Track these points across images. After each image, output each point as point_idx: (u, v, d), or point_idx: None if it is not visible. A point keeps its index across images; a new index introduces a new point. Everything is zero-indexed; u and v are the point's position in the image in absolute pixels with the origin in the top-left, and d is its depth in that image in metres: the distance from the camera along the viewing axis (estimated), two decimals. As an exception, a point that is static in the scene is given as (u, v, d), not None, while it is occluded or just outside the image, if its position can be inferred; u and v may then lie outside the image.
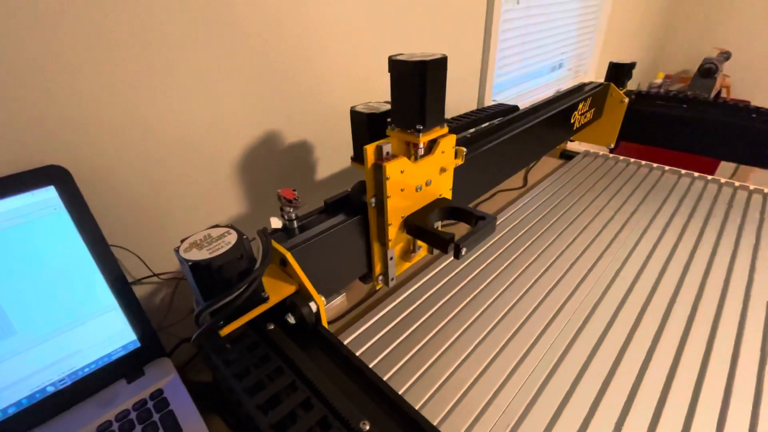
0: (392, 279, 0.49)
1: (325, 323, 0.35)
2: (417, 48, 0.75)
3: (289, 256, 0.35)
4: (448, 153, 0.44)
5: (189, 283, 0.31)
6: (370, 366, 0.43)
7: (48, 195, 0.36)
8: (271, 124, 0.59)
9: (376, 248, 0.46)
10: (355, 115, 0.43)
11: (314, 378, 0.28)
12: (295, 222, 0.40)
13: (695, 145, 0.85)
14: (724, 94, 2.03)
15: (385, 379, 0.41)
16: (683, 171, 0.86)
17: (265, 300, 0.33)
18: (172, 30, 0.44)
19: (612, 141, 0.93)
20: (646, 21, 1.89)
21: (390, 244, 0.44)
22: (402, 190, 0.41)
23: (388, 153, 0.39)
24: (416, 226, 0.42)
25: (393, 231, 0.43)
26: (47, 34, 0.37)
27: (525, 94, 1.19)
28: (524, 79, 1.18)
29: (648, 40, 2.02)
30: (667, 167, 0.88)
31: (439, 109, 0.39)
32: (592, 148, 1.01)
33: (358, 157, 0.43)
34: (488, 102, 0.98)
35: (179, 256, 0.29)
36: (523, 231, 0.68)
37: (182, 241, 0.31)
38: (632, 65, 0.87)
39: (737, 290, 0.54)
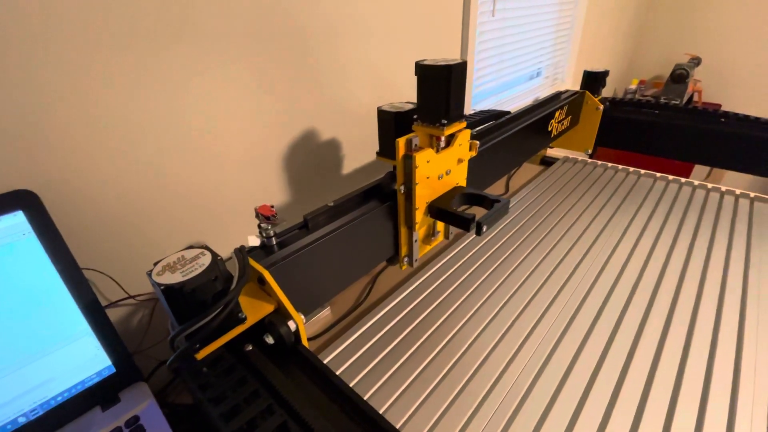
0: (416, 260, 0.54)
1: (305, 341, 0.35)
2: (401, 58, 0.76)
3: (266, 274, 0.35)
4: (464, 145, 0.49)
5: (163, 306, 0.31)
6: (353, 383, 0.43)
7: (16, 220, 0.35)
8: (269, 133, 0.60)
9: (403, 232, 0.50)
10: (382, 114, 0.48)
11: (292, 400, 0.28)
12: (273, 239, 0.39)
13: (668, 150, 0.87)
14: (696, 99, 2.11)
15: (368, 395, 0.41)
16: (658, 174, 0.89)
17: (243, 321, 0.33)
18: (158, 53, 0.44)
19: (589, 147, 0.95)
20: (620, 29, 1.95)
21: (416, 227, 0.49)
22: (427, 178, 0.46)
23: (416, 145, 0.44)
24: (440, 209, 0.47)
25: (419, 215, 0.48)
26: (17, 48, 0.36)
27: (504, 103, 1.21)
28: (503, 88, 1.21)
29: (622, 47, 2.09)
30: (642, 171, 0.91)
31: (460, 106, 0.44)
32: (571, 154, 1.03)
33: (384, 151, 0.49)
34: (467, 112, 1.00)
35: (152, 279, 0.29)
36: (505, 237, 0.69)
37: (155, 263, 0.31)
38: (605, 73, 0.89)
39: (713, 287, 0.56)
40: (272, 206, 0.40)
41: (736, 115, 0.80)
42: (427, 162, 0.45)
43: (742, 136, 0.78)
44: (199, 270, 0.29)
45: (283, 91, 0.61)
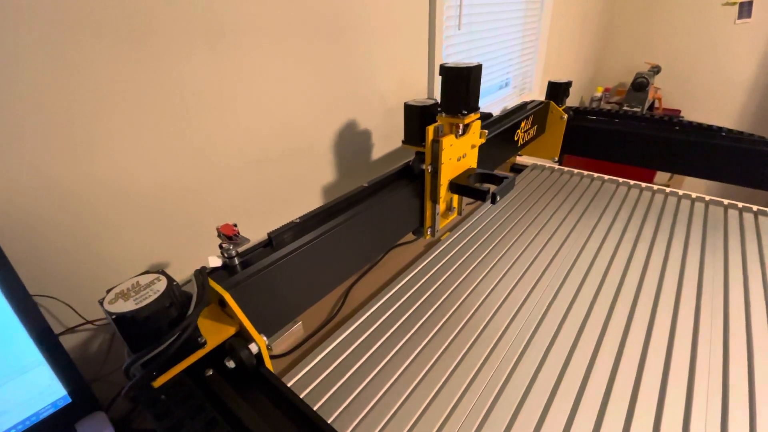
0: (437, 231, 0.63)
1: (268, 364, 0.35)
2: (372, 72, 0.77)
3: (227, 296, 0.34)
4: (476, 133, 0.60)
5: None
6: (322, 401, 0.43)
7: (-42, 247, 0.34)
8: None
9: (428, 206, 0.60)
10: (409, 108, 0.55)
11: (253, 426, 0.27)
12: (236, 259, 0.39)
13: (629, 157, 0.91)
14: (657, 105, 2.21)
15: (336, 413, 0.41)
16: (621, 180, 0.92)
17: (203, 345, 0.32)
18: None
19: (556, 155, 0.98)
20: (584, 40, 2.03)
21: (440, 201, 0.58)
22: (449, 159, 0.56)
23: (441, 132, 0.54)
24: (460, 185, 0.58)
25: (443, 191, 0.57)
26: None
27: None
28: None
29: (586, 56, 2.17)
30: (606, 177, 0.94)
31: (476, 100, 0.55)
32: (539, 161, 1.06)
33: (409, 139, 0.57)
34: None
35: (103, 308, 0.28)
36: (476, 245, 0.70)
37: (108, 291, 0.30)
38: (568, 84, 0.92)
39: (670, 287, 0.58)
40: (235, 225, 0.39)
41: (690, 123, 0.84)
42: (450, 146, 0.54)
43: (694, 143, 0.82)
44: (153, 297, 0.28)
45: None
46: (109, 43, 0.43)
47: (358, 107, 0.77)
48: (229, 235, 0.38)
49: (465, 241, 0.72)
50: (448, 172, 0.57)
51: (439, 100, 0.56)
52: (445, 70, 0.53)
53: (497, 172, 0.58)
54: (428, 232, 0.62)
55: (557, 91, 0.92)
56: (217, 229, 0.38)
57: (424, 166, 0.56)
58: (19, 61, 0.38)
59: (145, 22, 0.45)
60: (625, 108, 1.86)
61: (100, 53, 0.42)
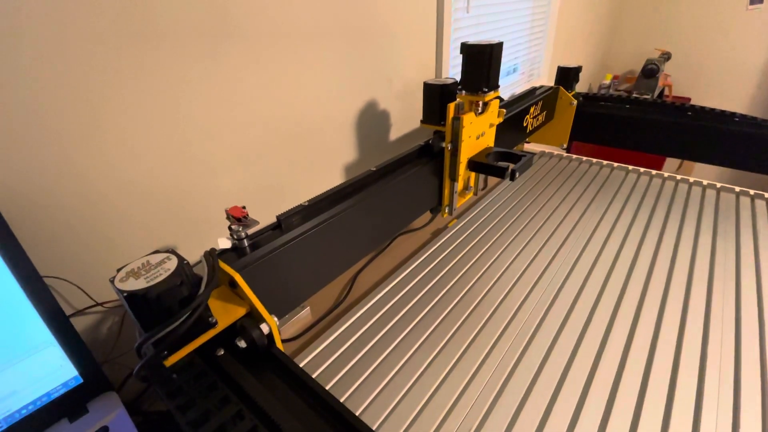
0: (455, 209, 0.63)
1: (279, 344, 0.35)
2: (377, 56, 0.76)
3: (237, 277, 0.34)
4: (494, 112, 0.60)
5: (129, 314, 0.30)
6: (332, 382, 0.43)
7: (-31, 228, 0.34)
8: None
9: (446, 184, 0.60)
10: (429, 87, 0.55)
11: (264, 404, 0.27)
12: (245, 241, 0.38)
13: (639, 143, 0.89)
14: (666, 93, 2.17)
15: (347, 394, 0.41)
16: (630, 167, 0.91)
17: (213, 325, 0.32)
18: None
19: (564, 141, 0.96)
20: (593, 25, 1.99)
21: (459, 179, 0.58)
22: (469, 137, 0.56)
23: (461, 109, 0.55)
24: (479, 162, 0.58)
25: (462, 168, 0.58)
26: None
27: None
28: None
29: (596, 43, 2.13)
30: (615, 164, 0.93)
31: (496, 78, 0.55)
32: (547, 148, 1.05)
33: (428, 119, 0.57)
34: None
35: (114, 286, 0.28)
36: (484, 232, 0.69)
37: (119, 270, 0.29)
38: (578, 69, 0.91)
39: (681, 274, 0.58)
40: (243, 207, 0.39)
41: (703, 108, 0.83)
42: (470, 123, 0.55)
43: (708, 128, 0.80)
44: (165, 275, 0.28)
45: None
46: (123, 43, 0.42)
47: (366, 93, 0.76)
48: (237, 217, 0.38)
49: (472, 228, 0.71)
50: (468, 150, 0.57)
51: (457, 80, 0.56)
52: (466, 48, 0.52)
53: (515, 150, 0.59)
54: (446, 211, 0.63)
55: (567, 76, 0.90)
56: (226, 211, 0.38)
57: (443, 144, 0.56)
58: (45, 64, 0.38)
59: (171, 21, 0.45)
60: (635, 95, 1.83)
61: (114, 53, 0.42)
